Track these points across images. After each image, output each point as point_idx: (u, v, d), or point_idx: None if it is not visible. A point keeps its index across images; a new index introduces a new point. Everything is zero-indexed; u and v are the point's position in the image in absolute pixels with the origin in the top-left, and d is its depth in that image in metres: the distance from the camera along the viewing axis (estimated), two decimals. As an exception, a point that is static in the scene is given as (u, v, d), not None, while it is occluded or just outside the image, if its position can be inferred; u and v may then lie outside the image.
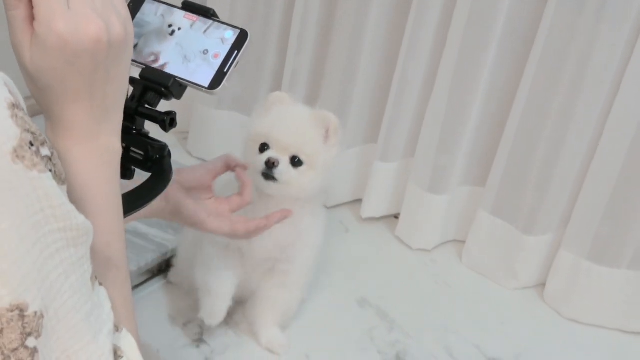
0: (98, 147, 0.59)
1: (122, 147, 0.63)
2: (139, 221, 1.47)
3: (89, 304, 0.52)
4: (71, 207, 0.51)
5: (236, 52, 0.77)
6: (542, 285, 1.58)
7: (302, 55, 1.64)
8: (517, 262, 1.57)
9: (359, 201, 1.75)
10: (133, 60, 0.73)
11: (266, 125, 1.20)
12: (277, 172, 1.16)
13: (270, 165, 1.16)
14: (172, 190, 1.00)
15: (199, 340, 1.34)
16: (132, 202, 0.73)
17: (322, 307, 1.45)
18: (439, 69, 1.50)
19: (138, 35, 0.77)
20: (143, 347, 1.07)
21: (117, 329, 0.57)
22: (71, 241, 0.50)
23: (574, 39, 1.38)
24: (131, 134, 0.76)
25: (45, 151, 0.49)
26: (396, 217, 1.72)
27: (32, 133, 0.48)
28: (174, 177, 0.80)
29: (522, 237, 1.54)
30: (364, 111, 1.66)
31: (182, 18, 0.78)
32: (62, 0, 0.54)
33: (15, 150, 0.46)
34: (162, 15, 0.78)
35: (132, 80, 0.74)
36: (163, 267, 1.46)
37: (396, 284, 1.57)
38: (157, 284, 1.44)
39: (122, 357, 0.58)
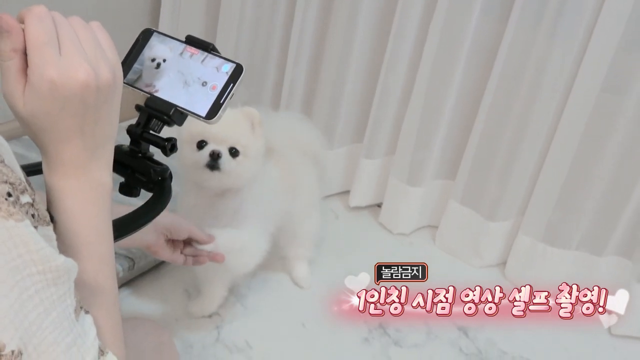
0: (90, 181, 0.57)
1: (130, 169, 0.60)
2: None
3: (70, 336, 0.49)
4: (50, 250, 0.48)
5: (232, 84, 0.74)
6: (504, 263, 1.62)
7: (298, 68, 1.66)
8: (482, 244, 1.60)
9: (347, 192, 1.78)
10: (140, 89, 0.71)
11: (201, 124, 1.15)
12: (222, 162, 1.12)
13: (215, 156, 1.11)
14: None
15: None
16: (133, 222, 0.70)
17: (316, 282, 1.47)
18: (415, 78, 1.53)
19: (142, 67, 0.74)
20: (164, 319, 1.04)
21: (102, 352, 0.53)
22: (51, 281, 0.47)
23: (531, 52, 1.40)
24: (137, 157, 0.73)
25: (25, 198, 0.47)
26: (379, 206, 1.75)
27: (11, 184, 0.46)
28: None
29: (486, 222, 1.57)
30: (352, 115, 1.68)
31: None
32: (55, 49, 0.51)
33: None
34: (167, 49, 0.75)
35: (138, 108, 0.72)
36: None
37: (380, 263, 1.58)
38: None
39: None
